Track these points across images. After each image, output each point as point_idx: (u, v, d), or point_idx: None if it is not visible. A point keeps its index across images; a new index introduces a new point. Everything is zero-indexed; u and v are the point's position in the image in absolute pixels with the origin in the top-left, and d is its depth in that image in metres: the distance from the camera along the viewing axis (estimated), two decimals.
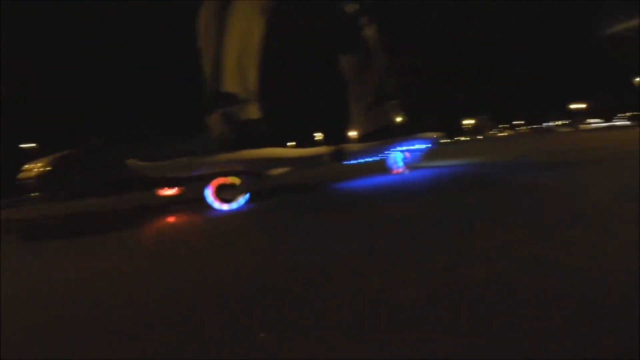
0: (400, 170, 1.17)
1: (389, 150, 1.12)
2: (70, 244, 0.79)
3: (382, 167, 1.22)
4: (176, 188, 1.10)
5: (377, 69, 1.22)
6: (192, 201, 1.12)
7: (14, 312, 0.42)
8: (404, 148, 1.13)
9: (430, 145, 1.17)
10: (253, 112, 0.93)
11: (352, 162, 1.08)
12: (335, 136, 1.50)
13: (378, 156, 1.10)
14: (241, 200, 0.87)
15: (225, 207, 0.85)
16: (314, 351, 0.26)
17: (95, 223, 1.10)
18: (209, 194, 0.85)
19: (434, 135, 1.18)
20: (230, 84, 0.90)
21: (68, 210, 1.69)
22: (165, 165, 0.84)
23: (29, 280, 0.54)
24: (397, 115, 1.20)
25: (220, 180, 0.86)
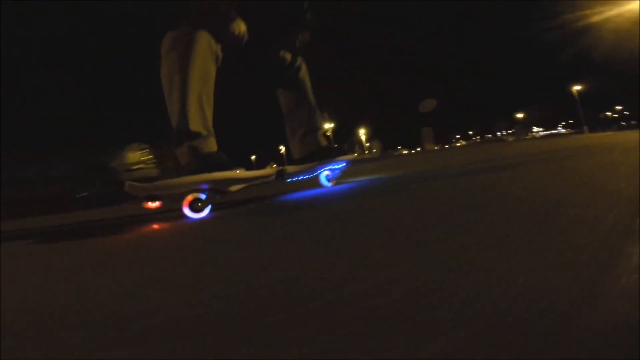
0: (327, 184, 1.59)
1: (318, 170, 1.53)
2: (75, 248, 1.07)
3: (315, 182, 1.63)
4: (158, 202, 1.40)
5: (309, 103, 1.64)
6: (170, 211, 1.44)
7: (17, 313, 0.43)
8: (328, 168, 1.55)
9: (346, 164, 1.60)
10: (212, 145, 1.28)
11: (292, 179, 1.47)
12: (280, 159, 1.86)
13: (311, 174, 1.50)
14: (206, 210, 1.22)
15: (195, 216, 1.19)
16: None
17: (93, 231, 1.35)
18: (183, 206, 1.19)
19: (350, 157, 1.61)
20: (194, 124, 1.25)
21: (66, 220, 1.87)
22: (153, 186, 1.16)
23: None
24: (324, 141, 1.62)
25: (190, 196, 1.20)
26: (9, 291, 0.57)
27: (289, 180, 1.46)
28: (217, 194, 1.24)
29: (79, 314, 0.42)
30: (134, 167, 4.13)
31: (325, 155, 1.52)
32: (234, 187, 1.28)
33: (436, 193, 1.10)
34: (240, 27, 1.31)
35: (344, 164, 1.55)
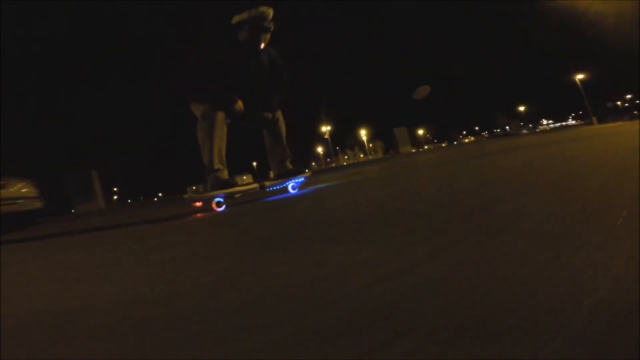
0: (292, 191, 2.72)
1: (286, 184, 2.66)
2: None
3: (285, 190, 2.76)
4: (200, 202, 2.55)
5: (282, 143, 2.76)
6: (206, 209, 2.59)
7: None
8: (293, 181, 2.68)
9: (305, 179, 2.72)
10: (225, 175, 2.41)
11: (270, 189, 2.61)
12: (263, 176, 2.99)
13: (282, 185, 2.64)
14: (223, 207, 2.35)
15: (218, 209, 2.33)
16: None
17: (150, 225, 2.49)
18: (213, 205, 2.33)
19: (305, 175, 2.73)
20: (216, 164, 2.38)
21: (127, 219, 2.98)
22: (199, 196, 2.29)
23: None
24: (290, 166, 2.75)
25: (215, 201, 2.33)
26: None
27: (267, 189, 2.59)
28: (228, 199, 2.37)
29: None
30: (17, 201, 4.17)
31: (290, 175, 2.64)
32: (237, 195, 2.41)
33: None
34: (239, 105, 2.43)
35: (302, 179, 2.67)
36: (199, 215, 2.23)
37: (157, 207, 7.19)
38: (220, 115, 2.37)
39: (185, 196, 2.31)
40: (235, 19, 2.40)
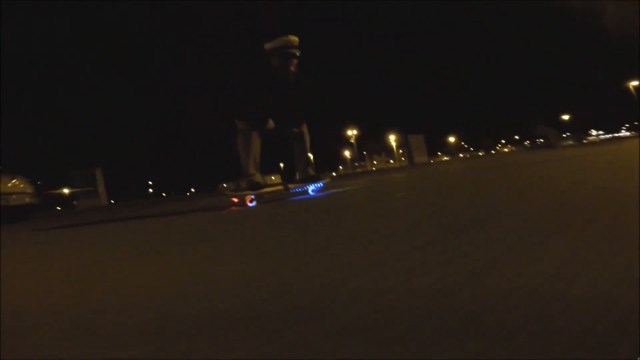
0: (312, 193, 3.21)
1: (309, 186, 3.16)
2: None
3: (306, 192, 3.25)
4: (237, 199, 3.12)
5: (306, 152, 3.25)
6: (241, 204, 3.15)
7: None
8: (314, 185, 3.17)
9: (324, 184, 3.20)
10: (258, 178, 2.96)
11: (294, 190, 3.11)
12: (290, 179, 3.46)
13: (305, 188, 3.13)
14: (255, 203, 2.89)
15: (250, 205, 2.88)
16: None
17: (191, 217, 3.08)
18: (247, 200, 2.88)
19: (324, 181, 3.21)
20: (251, 170, 2.94)
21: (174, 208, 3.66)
22: (239, 193, 2.85)
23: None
24: (312, 172, 3.24)
25: (248, 197, 2.88)
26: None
27: (292, 190, 3.10)
28: (259, 196, 2.91)
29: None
30: (12, 196, 4.54)
31: (311, 180, 3.14)
32: (266, 194, 2.95)
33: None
34: (271, 124, 2.98)
35: (321, 185, 3.15)
36: (234, 208, 2.79)
37: (184, 201, 7.84)
38: (255, 132, 2.92)
39: (226, 191, 2.89)
40: (268, 46, 2.91)
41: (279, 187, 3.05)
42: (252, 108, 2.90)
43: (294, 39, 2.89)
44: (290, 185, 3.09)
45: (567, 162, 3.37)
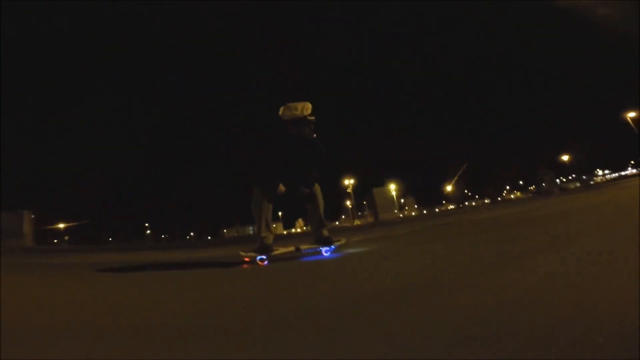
0: (326, 254, 3.19)
1: (321, 247, 3.15)
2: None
3: (319, 253, 3.23)
4: (248, 258, 3.08)
5: (319, 213, 3.31)
6: (253, 262, 3.12)
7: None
8: (327, 247, 3.17)
9: (334, 248, 3.20)
10: (270, 240, 2.95)
11: (307, 251, 3.10)
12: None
13: (317, 250, 3.13)
14: (266, 262, 2.86)
15: (262, 265, 2.84)
16: None
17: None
18: (258, 262, 2.85)
19: (339, 243, 3.21)
20: (264, 231, 2.95)
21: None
22: (251, 255, 2.87)
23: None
24: (326, 234, 3.26)
25: (260, 260, 2.86)
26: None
27: (304, 251, 3.09)
28: (270, 257, 2.89)
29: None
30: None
31: (324, 242, 3.16)
32: (276, 255, 2.94)
33: None
34: (281, 188, 3.10)
35: (334, 247, 3.16)
36: (245, 266, 2.81)
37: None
38: (267, 196, 3.06)
39: (241, 253, 2.89)
40: (286, 114, 3.13)
41: (291, 249, 3.05)
42: (266, 175, 3.05)
43: (308, 105, 3.11)
44: (302, 247, 3.09)
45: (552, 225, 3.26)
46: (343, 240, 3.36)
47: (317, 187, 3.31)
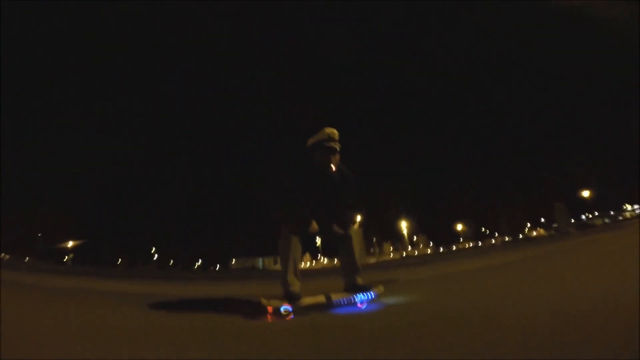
0: (361, 306, 2.74)
1: (355, 297, 2.71)
2: None
3: (354, 304, 2.77)
4: (270, 308, 2.66)
5: (353, 257, 2.81)
6: (277, 313, 2.70)
7: None
8: (361, 296, 2.73)
9: (373, 296, 2.76)
10: (297, 287, 2.57)
11: (341, 301, 2.67)
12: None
13: (349, 300, 2.69)
14: (292, 316, 2.43)
15: (287, 317, 2.41)
16: None
17: None
18: (282, 312, 2.42)
19: (377, 292, 2.78)
20: (290, 277, 2.55)
21: None
22: (274, 303, 2.48)
23: None
24: (360, 282, 2.83)
25: (282, 309, 2.44)
26: None
27: (335, 302, 2.66)
28: (296, 308, 2.47)
29: None
30: None
31: (358, 290, 2.71)
32: (304, 306, 2.52)
33: None
34: (314, 227, 2.71)
35: (371, 297, 2.71)
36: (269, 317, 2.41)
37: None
38: (295, 238, 2.69)
39: (263, 301, 2.47)
40: (310, 141, 2.85)
41: (321, 299, 2.62)
42: (295, 211, 2.69)
43: (333, 131, 2.82)
44: (334, 297, 2.66)
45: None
46: (381, 289, 2.91)
47: (355, 230, 2.87)
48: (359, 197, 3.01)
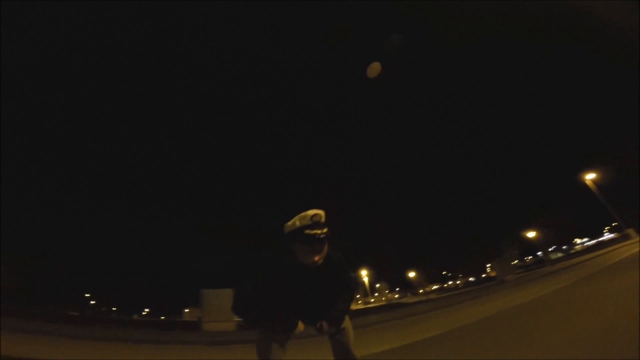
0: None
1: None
2: None
3: None
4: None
5: (347, 344, 2.27)
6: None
7: None
8: None
9: None
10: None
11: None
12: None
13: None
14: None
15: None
16: None
17: None
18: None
19: None
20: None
21: None
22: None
23: None
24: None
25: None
26: None
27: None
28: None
29: None
30: None
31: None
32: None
33: None
34: (300, 327, 2.13)
35: None
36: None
37: None
38: (279, 340, 2.17)
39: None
40: (287, 228, 2.18)
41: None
42: (273, 310, 2.19)
43: (317, 213, 2.21)
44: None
45: None
46: None
47: (347, 321, 2.39)
48: (352, 291, 2.39)
